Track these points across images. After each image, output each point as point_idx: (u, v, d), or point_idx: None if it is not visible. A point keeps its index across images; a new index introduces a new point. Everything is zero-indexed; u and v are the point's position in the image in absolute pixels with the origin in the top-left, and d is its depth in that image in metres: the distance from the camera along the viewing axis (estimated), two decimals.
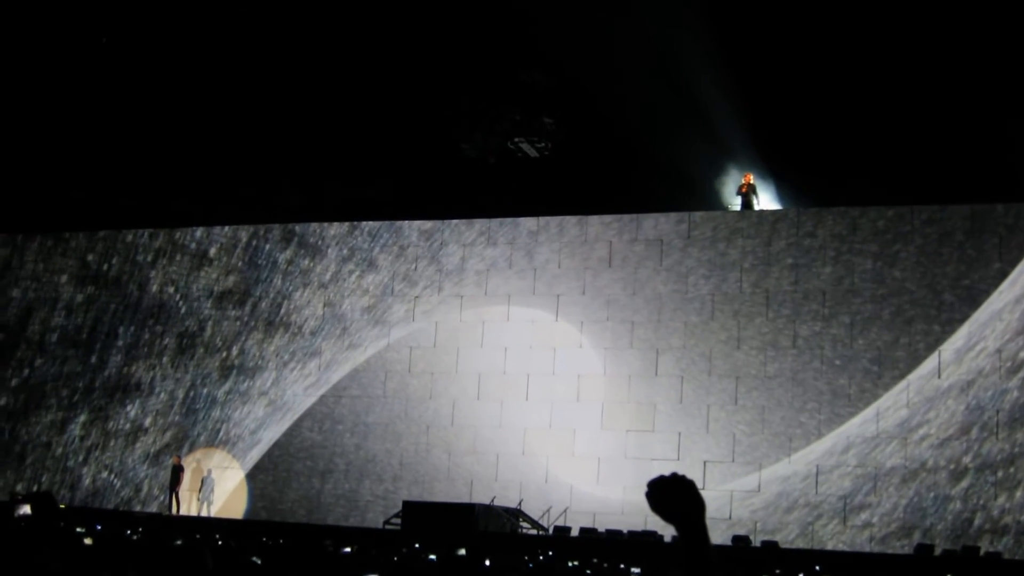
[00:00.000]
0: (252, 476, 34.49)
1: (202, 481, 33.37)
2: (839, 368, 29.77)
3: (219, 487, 33.82)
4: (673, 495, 4.19)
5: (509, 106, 30.97)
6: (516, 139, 31.28)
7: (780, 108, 30.16)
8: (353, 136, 32.73)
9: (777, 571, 23.24)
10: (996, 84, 28.39)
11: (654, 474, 4.25)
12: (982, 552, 25.64)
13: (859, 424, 29.20)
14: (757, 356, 30.61)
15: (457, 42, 30.38)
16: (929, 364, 28.91)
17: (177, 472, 32.64)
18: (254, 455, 34.69)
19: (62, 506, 30.72)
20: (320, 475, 34.10)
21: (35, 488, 33.62)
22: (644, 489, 4.22)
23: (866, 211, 30.40)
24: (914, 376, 28.97)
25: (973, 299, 28.90)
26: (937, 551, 25.72)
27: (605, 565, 21.73)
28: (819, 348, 30.02)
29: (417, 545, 23.22)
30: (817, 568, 23.63)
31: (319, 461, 34.18)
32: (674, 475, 4.22)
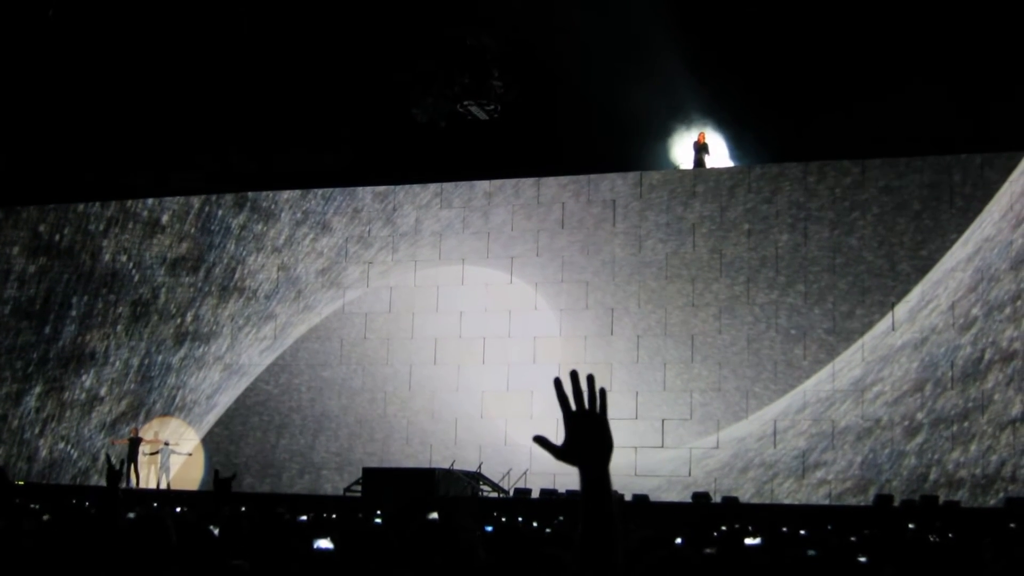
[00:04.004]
0: (208, 439, 34.45)
1: (159, 452, 33.26)
2: (794, 338, 29.89)
3: (175, 456, 33.73)
4: (589, 434, 4.03)
5: (458, 70, 30.81)
6: (466, 103, 31.15)
7: (730, 61, 30.03)
8: (302, 103, 32.51)
9: (736, 525, 23.30)
10: (952, 33, 28.32)
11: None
12: (940, 501, 25.86)
13: (814, 383, 29.37)
14: (713, 323, 30.69)
15: (404, 7, 30.18)
16: (883, 323, 29.09)
17: (135, 445, 32.50)
18: (210, 419, 34.64)
19: (19, 482, 30.66)
20: (276, 430, 34.12)
21: None
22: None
23: (823, 178, 30.40)
24: (868, 335, 29.14)
25: (929, 271, 29.05)
26: (896, 502, 25.91)
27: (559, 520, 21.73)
28: (774, 317, 30.12)
29: (379, 512, 23.15)
30: (774, 522, 23.70)
31: (275, 416, 34.21)
32: (581, 409, 4.05)
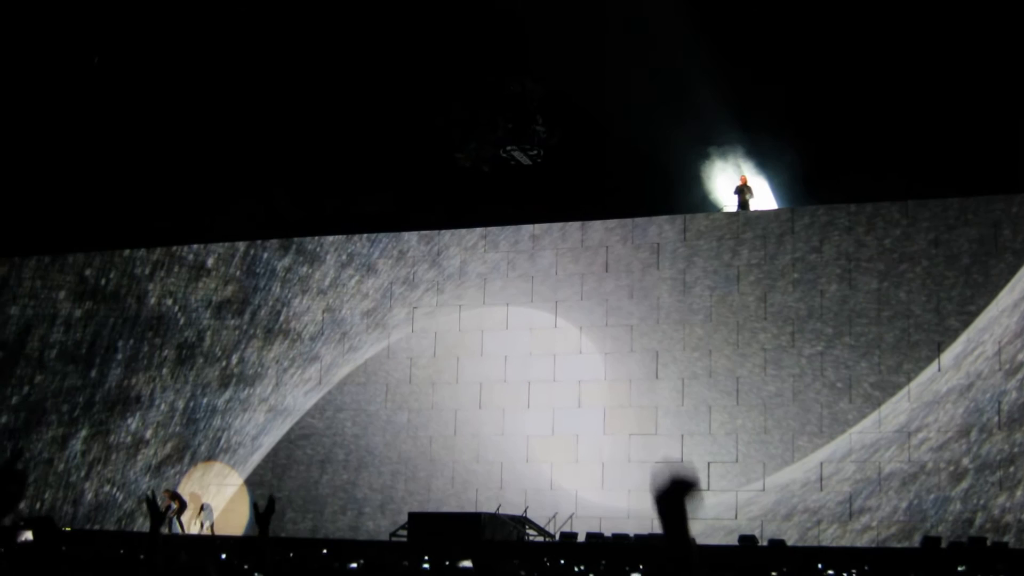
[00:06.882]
0: (252, 474, 34.56)
1: (202, 505, 33.16)
2: (840, 391, 29.72)
3: (219, 499, 33.75)
4: (673, 501, 4.21)
5: (501, 115, 30.92)
6: (509, 147, 31.24)
7: (773, 102, 30.02)
8: (346, 149, 32.68)
9: (784, 569, 23.21)
10: (1001, 69, 28.18)
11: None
12: (988, 543, 25.65)
13: (859, 429, 29.22)
14: (759, 373, 30.55)
15: (446, 53, 30.34)
16: (930, 369, 28.91)
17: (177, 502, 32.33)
18: (255, 460, 34.76)
19: (66, 528, 30.80)
20: (319, 465, 34.19)
21: (38, 506, 33.66)
22: (649, 492, 4.21)
23: (872, 228, 30.19)
24: (914, 382, 28.97)
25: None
26: (943, 544, 25.72)
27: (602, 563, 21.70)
28: (820, 369, 29.96)
29: (427, 557, 23.15)
30: (820, 566, 23.59)
31: (318, 450, 34.29)
32: (675, 481, 4.26)
